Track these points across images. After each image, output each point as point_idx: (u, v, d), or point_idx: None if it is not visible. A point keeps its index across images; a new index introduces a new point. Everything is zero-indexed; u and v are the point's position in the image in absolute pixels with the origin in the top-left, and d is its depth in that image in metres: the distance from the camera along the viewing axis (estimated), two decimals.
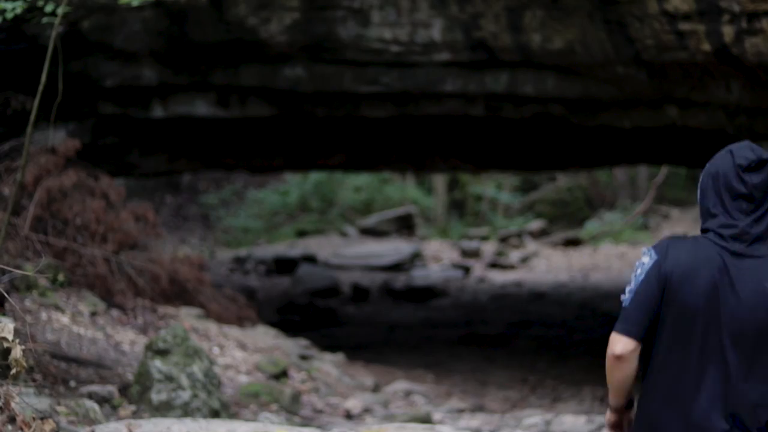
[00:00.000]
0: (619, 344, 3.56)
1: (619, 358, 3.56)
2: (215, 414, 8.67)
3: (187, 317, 12.01)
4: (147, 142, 15.19)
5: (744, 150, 3.62)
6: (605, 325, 17.85)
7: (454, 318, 19.03)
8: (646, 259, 3.59)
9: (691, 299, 3.52)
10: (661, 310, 3.55)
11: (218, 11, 12.23)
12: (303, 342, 13.44)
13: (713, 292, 3.51)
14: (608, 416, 3.75)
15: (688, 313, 3.53)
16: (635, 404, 3.71)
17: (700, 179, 3.69)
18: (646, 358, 3.61)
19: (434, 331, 18.02)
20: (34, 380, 8.22)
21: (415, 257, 25.02)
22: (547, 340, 16.96)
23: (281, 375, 11.27)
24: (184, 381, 8.73)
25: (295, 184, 31.69)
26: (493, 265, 24.75)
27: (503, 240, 27.44)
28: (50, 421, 6.63)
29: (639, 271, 3.59)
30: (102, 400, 8.52)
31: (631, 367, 3.56)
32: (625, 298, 3.59)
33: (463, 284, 22.68)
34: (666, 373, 3.56)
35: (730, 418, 3.49)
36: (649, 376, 3.61)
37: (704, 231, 3.64)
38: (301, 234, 28.96)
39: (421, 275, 23.30)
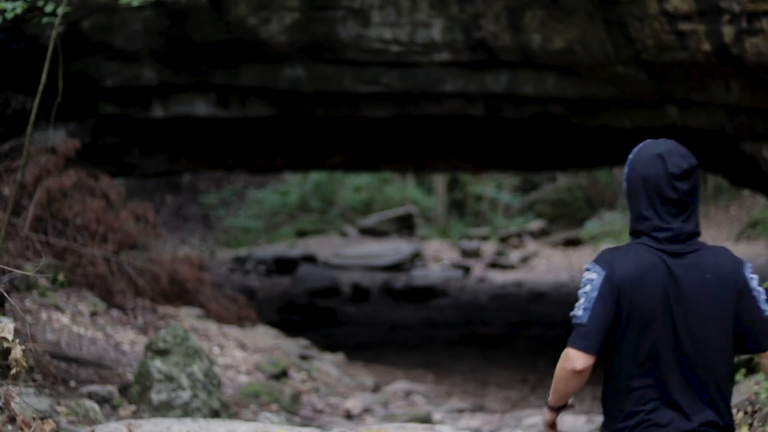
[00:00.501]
0: (580, 360, 3.67)
1: (579, 372, 3.68)
2: (215, 414, 8.67)
3: (187, 317, 12.01)
4: (147, 142, 15.19)
5: (675, 157, 3.74)
6: None
7: (454, 318, 19.03)
8: (594, 276, 3.71)
9: (645, 305, 3.66)
10: (618, 321, 3.67)
11: (218, 11, 12.23)
12: (303, 342, 13.45)
13: (664, 295, 3.67)
14: (547, 415, 3.86)
15: (645, 319, 3.66)
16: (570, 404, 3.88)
17: (626, 177, 3.80)
18: (606, 365, 3.74)
19: (434, 331, 18.02)
20: (34, 380, 8.22)
21: (415, 257, 25.03)
22: (547, 340, 16.96)
23: (281, 375, 11.27)
24: (184, 381, 8.73)
25: (295, 184, 31.69)
26: (493, 265, 24.75)
27: (503, 240, 27.44)
28: (50, 421, 6.64)
29: (589, 287, 3.70)
30: (102, 400, 8.52)
31: (585, 379, 3.71)
32: (579, 314, 3.69)
33: (463, 284, 22.69)
34: (630, 377, 3.69)
35: (698, 409, 3.68)
36: (612, 382, 3.75)
37: (636, 233, 3.78)
38: (301, 234, 28.96)
39: (421, 275, 23.31)
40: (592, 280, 3.70)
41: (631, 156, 3.83)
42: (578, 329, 3.69)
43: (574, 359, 3.68)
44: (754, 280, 3.76)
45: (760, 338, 3.72)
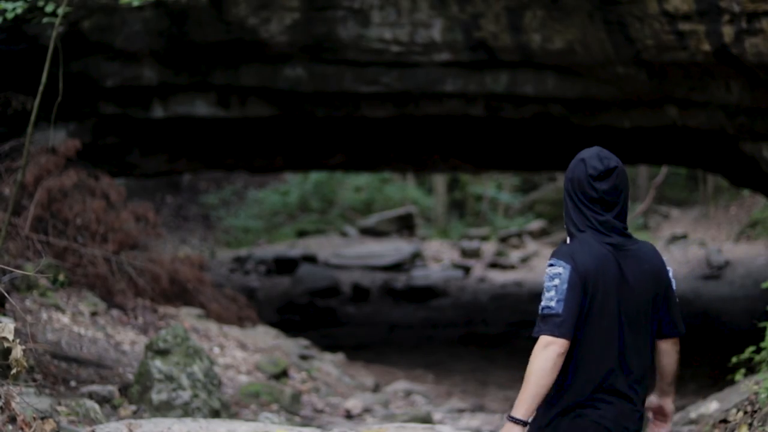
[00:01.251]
0: (563, 345, 3.99)
1: (561, 355, 3.99)
2: (215, 414, 8.67)
3: (187, 317, 12.02)
4: (147, 142, 15.20)
5: (594, 160, 4.16)
6: None
7: (454, 318, 19.04)
8: (560, 270, 4.03)
9: (606, 293, 4.06)
10: (583, 308, 4.04)
11: (218, 11, 12.24)
12: (303, 342, 13.45)
13: (616, 283, 4.08)
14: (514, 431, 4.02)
15: (604, 305, 4.06)
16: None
17: (565, 183, 4.23)
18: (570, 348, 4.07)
19: (434, 331, 18.03)
20: (34, 380, 8.23)
21: (415, 257, 25.03)
22: None
23: (281, 375, 11.27)
24: (185, 381, 8.73)
25: (295, 184, 31.69)
26: (493, 265, 24.75)
27: (503, 240, 27.44)
28: (51, 420, 6.64)
29: (557, 281, 4.02)
30: (102, 400, 8.52)
31: (561, 365, 4.02)
32: (553, 306, 4.00)
33: (463, 284, 22.69)
34: (589, 355, 4.07)
35: (630, 387, 4.12)
36: (574, 363, 4.08)
37: (576, 227, 4.16)
38: (302, 234, 28.97)
39: (421, 275, 23.31)
40: (559, 273, 4.02)
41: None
42: (553, 319, 3.99)
43: (556, 344, 3.98)
44: (671, 272, 4.25)
45: (677, 324, 4.24)
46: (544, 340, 3.99)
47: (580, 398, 4.07)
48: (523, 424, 4.01)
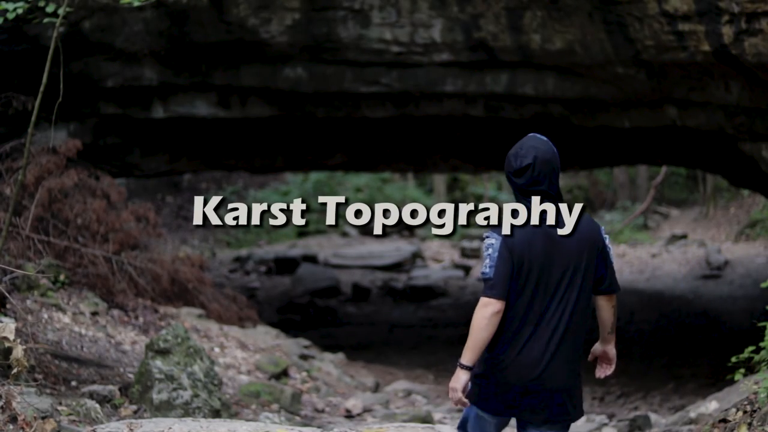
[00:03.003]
0: (495, 305, 4.72)
1: (495, 315, 4.72)
2: (216, 413, 8.69)
3: (187, 317, 12.03)
4: (148, 142, 15.21)
5: (512, 158, 4.89)
6: None
7: (454, 318, 19.05)
8: (493, 241, 4.76)
9: (533, 261, 4.74)
10: (513, 273, 4.74)
11: (219, 12, 12.25)
12: (303, 342, 13.46)
13: (545, 251, 4.75)
14: (463, 376, 4.78)
15: (531, 271, 4.75)
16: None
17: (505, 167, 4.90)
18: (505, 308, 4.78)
19: (434, 331, 18.04)
20: (35, 380, 8.24)
21: (416, 257, 25.04)
22: None
23: (282, 375, 11.29)
24: (185, 381, 8.75)
25: (295, 184, 31.72)
26: None
27: None
28: (51, 420, 6.66)
29: (491, 250, 4.76)
30: (103, 400, 8.53)
31: (497, 322, 4.74)
32: (487, 272, 4.73)
33: (463, 284, 22.70)
34: (517, 312, 4.77)
35: (558, 340, 4.79)
36: (509, 320, 4.77)
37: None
38: (302, 234, 28.99)
39: (421, 275, 23.31)
40: (492, 244, 4.76)
41: None
42: (488, 282, 4.74)
43: (492, 305, 4.72)
44: (607, 239, 4.90)
45: (612, 283, 4.91)
46: (482, 301, 4.75)
47: (507, 346, 4.77)
48: (469, 368, 4.77)
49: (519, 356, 4.76)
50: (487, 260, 4.75)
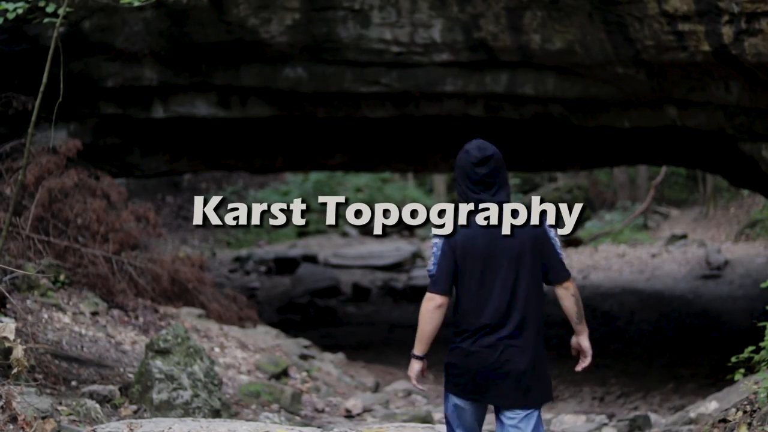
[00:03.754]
0: (438, 299, 5.12)
1: (438, 308, 5.14)
2: (216, 413, 8.69)
3: (187, 317, 12.04)
4: (148, 142, 15.21)
5: (474, 150, 5.23)
6: (605, 324, 17.90)
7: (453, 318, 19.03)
8: (438, 240, 5.13)
9: (476, 256, 5.10)
10: (458, 268, 5.09)
11: (219, 12, 12.25)
12: (303, 342, 13.46)
13: (487, 248, 5.10)
14: (417, 365, 5.29)
15: (475, 265, 5.10)
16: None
17: (455, 167, 5.25)
18: (456, 300, 5.18)
19: None
20: (35, 380, 8.25)
21: (416, 257, 25.04)
22: (546, 339, 16.96)
23: (282, 375, 11.30)
24: (185, 380, 8.75)
25: (295, 184, 31.73)
26: None
27: None
28: (51, 420, 6.67)
29: (435, 249, 5.13)
30: (103, 400, 8.53)
31: (442, 315, 5.17)
32: (431, 269, 5.12)
33: None
34: (469, 305, 5.14)
35: (511, 328, 5.15)
36: (457, 313, 5.19)
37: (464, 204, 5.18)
38: (302, 234, 28.99)
39: (421, 275, 23.30)
40: (437, 243, 5.13)
41: None
42: (432, 279, 5.13)
43: (435, 299, 5.13)
44: (552, 231, 5.17)
45: (558, 274, 5.19)
46: (426, 296, 5.16)
47: (466, 336, 5.20)
48: (419, 358, 5.29)
49: (476, 343, 5.16)
50: (432, 259, 5.15)
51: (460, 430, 5.34)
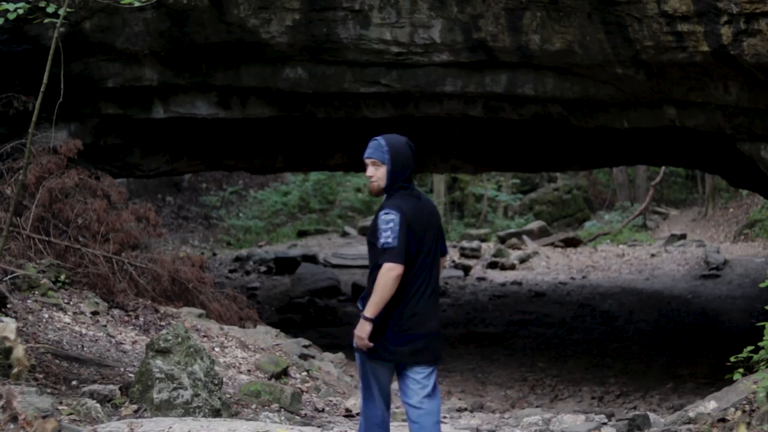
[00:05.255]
0: (399, 269, 5.83)
1: (398, 276, 5.83)
2: (216, 413, 8.70)
3: (188, 317, 12.05)
4: (148, 142, 15.24)
5: (410, 144, 6.13)
6: (604, 324, 17.85)
7: (454, 317, 19.07)
8: (394, 216, 5.88)
9: (418, 231, 5.96)
10: (411, 242, 5.89)
11: (219, 12, 12.28)
12: (304, 341, 13.46)
13: (426, 225, 6.01)
14: (368, 326, 5.88)
15: (418, 240, 5.95)
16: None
17: (390, 158, 6.08)
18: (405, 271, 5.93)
19: None
20: (36, 379, 8.27)
21: None
22: (546, 339, 17.00)
23: (282, 374, 11.31)
24: (186, 380, 8.76)
25: (295, 185, 31.74)
26: (493, 265, 24.77)
27: (503, 240, 27.47)
28: (52, 420, 6.68)
29: (392, 224, 5.86)
30: (104, 399, 8.54)
31: (398, 283, 5.85)
32: (391, 242, 5.83)
33: (463, 284, 22.73)
34: (416, 276, 5.96)
35: (432, 294, 6.09)
36: (408, 281, 5.92)
37: (398, 188, 6.05)
38: (302, 234, 29.00)
39: None
40: (393, 219, 5.87)
41: (385, 145, 6.14)
42: (392, 251, 5.84)
43: (395, 269, 5.82)
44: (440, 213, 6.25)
45: (445, 248, 6.27)
46: (386, 266, 5.84)
47: (411, 302, 5.94)
48: (372, 321, 5.86)
49: (417, 307, 5.95)
50: (389, 232, 5.85)
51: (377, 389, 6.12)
